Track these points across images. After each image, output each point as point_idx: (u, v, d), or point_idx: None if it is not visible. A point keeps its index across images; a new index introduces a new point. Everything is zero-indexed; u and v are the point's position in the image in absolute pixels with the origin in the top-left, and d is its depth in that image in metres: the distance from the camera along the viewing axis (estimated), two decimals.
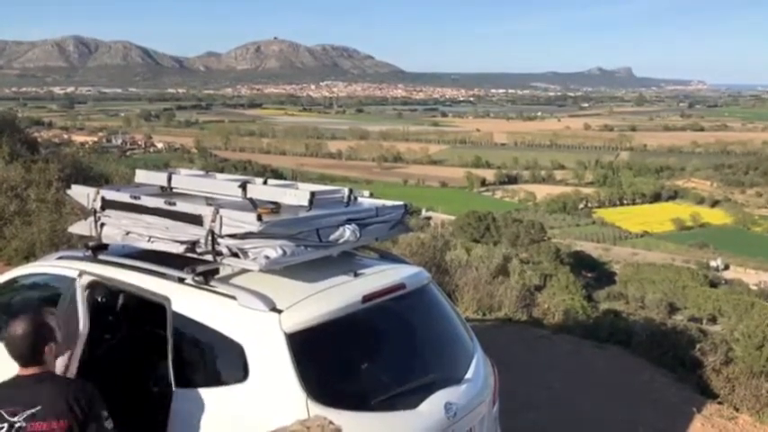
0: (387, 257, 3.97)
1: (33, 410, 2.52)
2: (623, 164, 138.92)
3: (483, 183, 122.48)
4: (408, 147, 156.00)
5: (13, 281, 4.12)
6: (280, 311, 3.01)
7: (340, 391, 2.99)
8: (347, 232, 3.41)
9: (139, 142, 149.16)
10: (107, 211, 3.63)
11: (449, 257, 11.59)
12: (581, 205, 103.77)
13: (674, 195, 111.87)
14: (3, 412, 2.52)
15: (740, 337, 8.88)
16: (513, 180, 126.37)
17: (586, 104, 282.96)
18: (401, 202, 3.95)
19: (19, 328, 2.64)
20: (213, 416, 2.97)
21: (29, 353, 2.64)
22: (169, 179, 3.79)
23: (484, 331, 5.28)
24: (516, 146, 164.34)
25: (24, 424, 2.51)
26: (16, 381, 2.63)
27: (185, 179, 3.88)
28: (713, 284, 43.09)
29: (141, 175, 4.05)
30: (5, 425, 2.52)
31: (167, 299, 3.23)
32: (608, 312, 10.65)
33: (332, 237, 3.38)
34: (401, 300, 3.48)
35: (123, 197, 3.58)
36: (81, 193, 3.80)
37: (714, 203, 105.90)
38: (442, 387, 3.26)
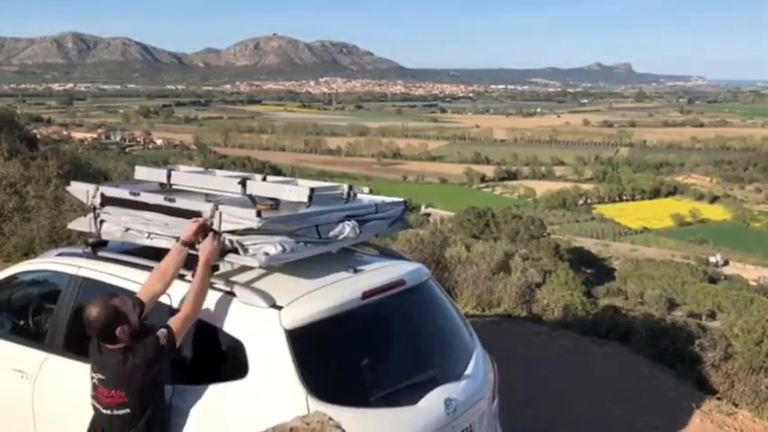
0: (386, 254, 3.97)
1: (102, 376, 2.93)
2: (623, 160, 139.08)
3: (482, 179, 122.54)
4: (408, 143, 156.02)
5: (13, 278, 4.12)
6: (279, 308, 3.01)
7: (340, 388, 2.99)
8: (347, 229, 3.41)
9: (138, 139, 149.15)
10: (106, 208, 3.61)
11: (448, 254, 11.57)
12: (580, 201, 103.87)
13: (673, 191, 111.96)
14: (93, 365, 2.98)
15: (739, 333, 8.88)
16: (512, 176, 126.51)
17: (586, 100, 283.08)
18: (401, 199, 3.95)
19: (93, 311, 2.88)
20: (213, 412, 2.98)
21: (102, 335, 2.90)
22: (168, 176, 3.78)
23: (483, 327, 5.27)
24: (516, 142, 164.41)
25: (97, 383, 2.95)
26: (103, 348, 2.94)
27: (185, 176, 3.86)
28: (712, 280, 43.10)
29: (140, 172, 4.05)
30: (91, 377, 2.99)
31: (167, 295, 3.23)
32: (607, 308, 10.61)
33: (331, 233, 3.37)
34: (401, 296, 3.47)
35: (123, 194, 3.57)
36: (80, 190, 3.78)
37: (713, 199, 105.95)
38: (441, 383, 3.26)
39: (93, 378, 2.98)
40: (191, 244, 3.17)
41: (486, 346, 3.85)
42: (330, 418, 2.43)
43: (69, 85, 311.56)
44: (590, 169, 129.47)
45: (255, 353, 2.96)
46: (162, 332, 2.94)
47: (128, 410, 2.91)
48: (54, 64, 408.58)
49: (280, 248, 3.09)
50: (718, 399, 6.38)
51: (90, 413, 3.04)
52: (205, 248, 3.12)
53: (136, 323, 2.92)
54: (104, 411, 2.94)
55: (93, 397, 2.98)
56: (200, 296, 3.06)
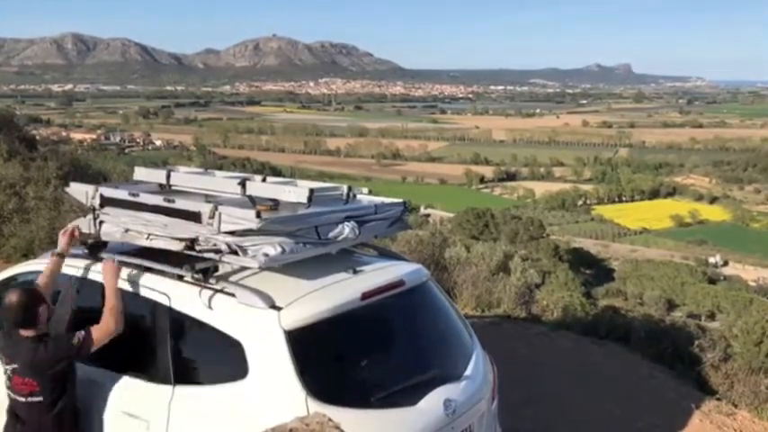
0: (386, 255, 3.96)
1: (16, 365, 3.12)
2: (622, 160, 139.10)
3: (482, 180, 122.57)
4: (407, 144, 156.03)
5: (13, 278, 4.11)
6: (279, 309, 3.01)
7: (339, 389, 2.99)
8: (346, 229, 3.41)
9: (138, 140, 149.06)
10: (106, 209, 3.61)
11: (448, 254, 11.56)
12: (580, 202, 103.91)
13: (672, 192, 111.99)
14: (5, 358, 3.19)
15: (739, 334, 8.88)
16: (511, 177, 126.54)
17: (585, 101, 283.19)
18: (400, 200, 3.95)
19: (13, 297, 3.11)
20: (212, 413, 2.98)
21: (25, 316, 3.10)
22: (168, 176, 3.78)
23: (483, 328, 5.28)
24: (515, 143, 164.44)
25: (11, 374, 3.15)
26: (17, 337, 3.14)
27: (184, 176, 3.86)
28: (712, 281, 43.14)
29: (140, 173, 4.05)
30: (5, 369, 3.19)
31: (167, 296, 3.23)
32: (607, 309, 10.61)
33: (331, 234, 3.37)
34: (400, 297, 3.47)
35: (122, 194, 3.57)
36: (79, 191, 3.78)
37: (713, 200, 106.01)
38: (441, 384, 3.26)
39: (7, 370, 3.16)
40: (63, 255, 3.54)
41: (485, 346, 3.85)
42: (329, 420, 2.43)
43: (69, 86, 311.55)
44: (589, 170, 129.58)
45: (255, 354, 2.96)
46: (80, 334, 3.14)
47: (41, 398, 3.12)
48: (53, 65, 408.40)
49: (279, 249, 3.08)
50: (718, 399, 6.39)
51: (90, 414, 3.05)
52: (105, 273, 3.34)
53: (51, 306, 3.22)
54: (20, 399, 3.15)
55: (9, 387, 3.17)
56: (117, 312, 3.22)
